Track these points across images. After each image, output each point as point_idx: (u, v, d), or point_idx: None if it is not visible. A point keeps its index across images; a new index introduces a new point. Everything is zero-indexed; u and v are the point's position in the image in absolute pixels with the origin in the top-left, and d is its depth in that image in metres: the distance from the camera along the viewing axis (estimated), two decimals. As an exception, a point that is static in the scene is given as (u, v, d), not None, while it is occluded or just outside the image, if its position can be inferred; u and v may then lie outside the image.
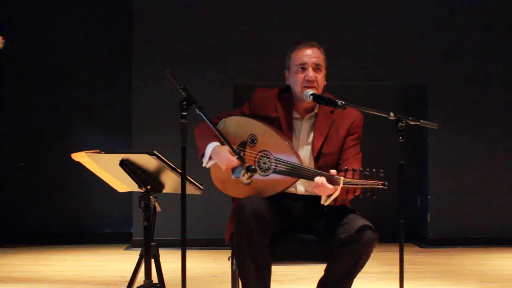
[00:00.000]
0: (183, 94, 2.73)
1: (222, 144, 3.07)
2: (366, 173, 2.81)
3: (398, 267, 2.82)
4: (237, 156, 2.80)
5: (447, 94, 6.61)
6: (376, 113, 2.89)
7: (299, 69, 3.10)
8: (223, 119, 3.18)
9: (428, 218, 6.55)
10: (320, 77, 3.11)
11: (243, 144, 3.11)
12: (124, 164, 2.98)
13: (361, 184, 2.81)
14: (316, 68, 3.10)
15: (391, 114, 2.86)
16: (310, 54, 3.11)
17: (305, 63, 3.09)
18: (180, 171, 2.81)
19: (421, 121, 2.92)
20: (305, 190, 3.12)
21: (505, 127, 6.62)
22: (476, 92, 6.61)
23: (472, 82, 6.61)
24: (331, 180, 2.85)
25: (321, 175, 2.89)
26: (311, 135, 3.14)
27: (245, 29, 6.55)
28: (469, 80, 6.61)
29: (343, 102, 2.93)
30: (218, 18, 6.56)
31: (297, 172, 2.96)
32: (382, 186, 2.80)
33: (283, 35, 6.45)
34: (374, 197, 2.82)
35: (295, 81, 3.11)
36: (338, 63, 6.47)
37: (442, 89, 6.61)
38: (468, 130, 6.60)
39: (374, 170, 2.82)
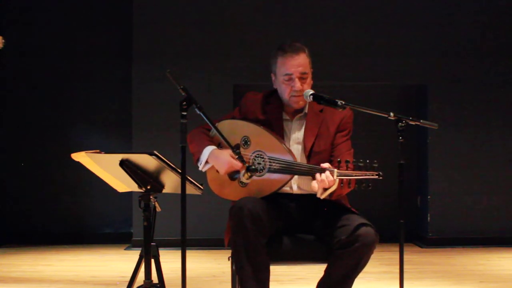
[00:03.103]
0: (183, 94, 2.73)
1: (218, 145, 3.08)
2: (360, 164, 2.81)
3: (398, 267, 2.82)
4: (237, 156, 2.81)
5: (447, 94, 6.60)
6: (376, 113, 2.89)
7: (286, 80, 3.11)
8: (216, 124, 3.18)
9: (428, 218, 6.55)
10: (307, 85, 3.12)
11: (237, 147, 3.11)
12: (124, 164, 2.98)
13: (356, 176, 2.81)
14: (302, 77, 3.10)
15: (391, 114, 2.86)
16: (296, 64, 3.10)
17: (292, 74, 3.10)
18: (180, 171, 2.81)
19: (421, 121, 2.92)
20: (298, 188, 3.13)
21: (505, 127, 6.62)
22: (476, 92, 6.61)
23: (472, 82, 6.61)
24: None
25: (315, 170, 2.89)
26: (302, 134, 3.15)
27: (245, 29, 6.55)
28: (469, 80, 6.61)
29: (343, 102, 2.93)
30: (218, 18, 6.56)
31: (291, 169, 2.96)
32: (377, 177, 2.80)
33: (283, 35, 6.44)
34: (370, 187, 2.81)
35: (283, 89, 3.13)
36: (338, 63, 6.47)
37: (442, 89, 6.61)
38: (468, 130, 6.60)
39: (367, 161, 2.82)
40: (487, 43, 6.61)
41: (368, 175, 2.79)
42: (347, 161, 2.85)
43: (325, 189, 2.88)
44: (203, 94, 5.96)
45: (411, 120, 2.88)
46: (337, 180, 2.85)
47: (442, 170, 6.58)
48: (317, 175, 2.87)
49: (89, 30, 6.94)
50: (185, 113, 2.72)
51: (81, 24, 6.93)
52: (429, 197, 6.57)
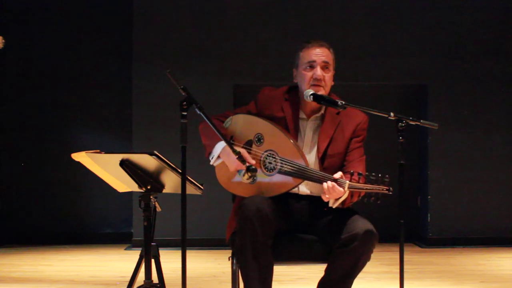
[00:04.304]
0: (183, 94, 2.74)
1: (231, 138, 3.07)
2: (372, 177, 2.82)
3: (398, 267, 2.82)
4: (237, 156, 2.79)
5: (447, 94, 6.61)
6: (376, 113, 2.89)
7: (308, 67, 3.09)
8: (230, 117, 3.16)
9: (428, 218, 6.55)
10: (328, 77, 3.10)
11: (249, 143, 3.09)
12: (124, 164, 2.98)
13: (366, 189, 2.82)
14: (325, 66, 3.09)
15: (391, 114, 2.86)
16: (319, 53, 3.10)
17: (314, 61, 3.08)
18: (180, 171, 2.81)
19: (421, 121, 2.92)
20: (310, 192, 3.11)
21: (505, 127, 6.62)
22: (476, 92, 6.61)
23: (472, 82, 6.61)
24: (336, 183, 2.86)
25: (326, 178, 2.89)
26: (317, 136, 3.13)
27: (245, 29, 6.55)
28: (469, 80, 6.61)
29: (343, 102, 2.93)
30: (218, 18, 6.56)
31: (302, 174, 2.95)
32: (386, 192, 2.81)
33: (283, 35, 6.46)
34: (379, 202, 2.83)
35: (303, 79, 3.10)
36: (338, 63, 6.43)
37: (442, 89, 6.61)
38: (468, 130, 6.60)
39: (379, 175, 2.82)
40: (487, 43, 6.61)
41: (379, 190, 2.80)
42: (359, 174, 2.84)
43: (337, 198, 2.89)
44: (203, 94, 5.96)
45: (411, 120, 2.87)
46: (348, 191, 2.86)
47: (442, 170, 6.58)
48: (324, 184, 2.87)
49: (89, 30, 6.94)
50: (185, 113, 2.72)
51: (81, 24, 6.93)
52: (429, 197, 6.57)
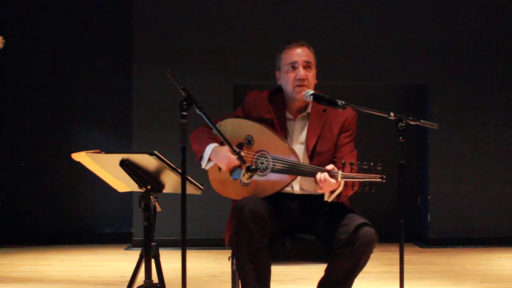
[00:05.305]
0: (183, 94, 2.74)
1: (222, 143, 3.07)
2: (364, 167, 2.82)
3: (398, 267, 2.82)
4: (237, 156, 2.80)
5: (447, 94, 6.61)
6: (376, 113, 2.89)
7: (290, 68, 3.11)
8: (219, 123, 3.18)
9: (428, 218, 6.55)
10: (311, 76, 3.12)
11: (240, 146, 3.11)
12: (124, 164, 2.98)
13: (359, 178, 2.82)
14: (307, 66, 3.11)
15: (391, 114, 2.86)
16: (300, 53, 3.12)
17: (296, 62, 3.10)
18: (180, 171, 2.81)
19: (421, 121, 2.92)
20: (300, 189, 3.12)
21: (505, 127, 6.62)
22: (476, 92, 6.61)
23: (472, 82, 6.61)
24: (330, 175, 2.86)
25: (319, 171, 2.89)
26: (305, 134, 3.14)
27: (245, 29, 6.55)
28: (469, 80, 6.61)
29: (343, 102, 2.93)
30: (218, 18, 6.56)
31: (295, 170, 2.96)
32: (380, 180, 2.80)
33: (283, 35, 6.43)
34: (373, 191, 2.82)
35: (286, 80, 3.12)
36: (338, 63, 6.46)
37: (442, 89, 6.61)
38: (468, 130, 6.60)
39: (371, 163, 2.82)
40: (487, 43, 6.61)
41: (372, 178, 2.80)
42: (351, 163, 2.85)
43: (331, 192, 2.89)
44: (203, 94, 5.96)
45: (411, 120, 2.88)
46: (342, 182, 2.86)
47: (442, 170, 6.58)
48: (317, 175, 2.87)
49: (89, 30, 6.94)
50: (185, 113, 2.72)
51: (81, 24, 6.93)
52: (429, 197, 6.57)
